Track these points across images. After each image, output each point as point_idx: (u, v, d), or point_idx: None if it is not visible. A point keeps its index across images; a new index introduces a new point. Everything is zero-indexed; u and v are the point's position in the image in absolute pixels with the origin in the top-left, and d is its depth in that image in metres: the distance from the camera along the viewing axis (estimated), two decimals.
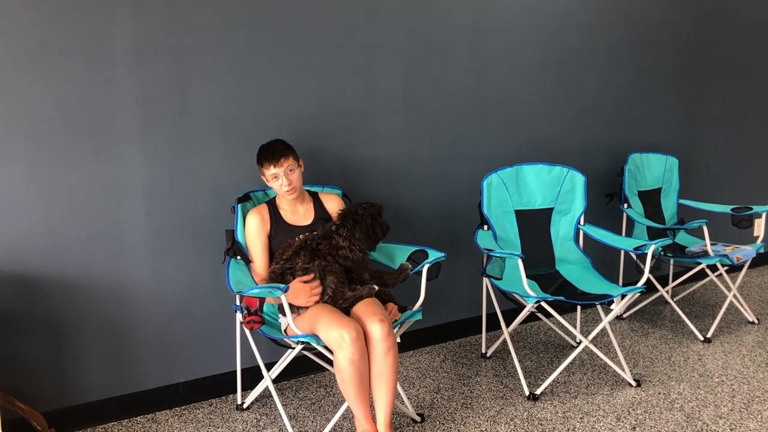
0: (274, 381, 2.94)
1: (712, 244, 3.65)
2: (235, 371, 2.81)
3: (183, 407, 2.76)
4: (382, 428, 2.30)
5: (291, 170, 2.52)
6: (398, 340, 2.39)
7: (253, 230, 2.57)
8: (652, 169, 3.86)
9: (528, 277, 3.11)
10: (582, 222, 3.26)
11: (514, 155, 3.51)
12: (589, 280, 3.07)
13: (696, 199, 4.11)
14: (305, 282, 2.38)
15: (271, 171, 2.50)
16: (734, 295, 3.87)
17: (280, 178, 2.51)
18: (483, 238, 3.06)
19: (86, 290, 2.52)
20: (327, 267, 2.45)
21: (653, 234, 3.72)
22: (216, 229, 2.73)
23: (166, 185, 2.62)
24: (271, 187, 2.57)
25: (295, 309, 2.41)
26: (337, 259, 2.49)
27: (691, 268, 3.59)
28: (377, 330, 2.28)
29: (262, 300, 2.28)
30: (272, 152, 2.50)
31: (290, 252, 2.48)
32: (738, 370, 3.06)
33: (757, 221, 4.58)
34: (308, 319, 2.36)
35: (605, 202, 3.86)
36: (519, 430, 2.54)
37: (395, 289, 2.66)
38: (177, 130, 2.61)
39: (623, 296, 2.82)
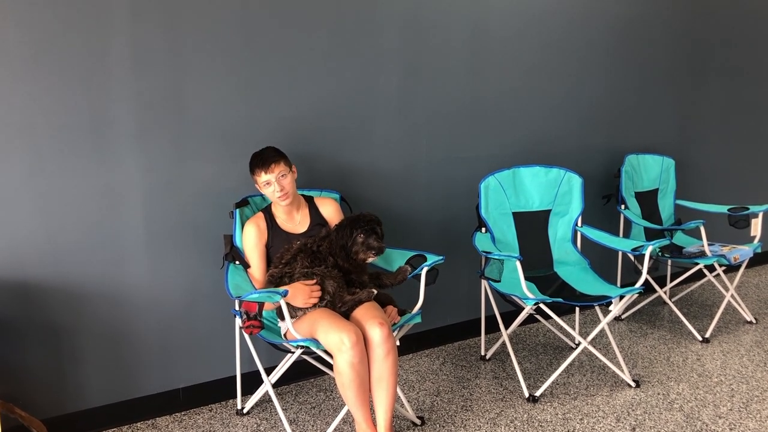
0: (274, 385, 2.94)
1: (709, 245, 3.66)
2: (235, 376, 2.81)
3: (183, 413, 2.76)
4: None
5: (283, 176, 2.52)
6: (398, 343, 2.40)
7: (251, 240, 2.58)
8: (649, 170, 3.87)
9: (526, 279, 3.12)
10: (579, 223, 3.26)
11: (511, 157, 3.52)
12: (587, 282, 3.08)
13: (693, 199, 4.12)
14: (306, 285, 2.39)
15: (263, 178, 2.51)
16: (732, 295, 3.87)
17: (273, 185, 2.51)
18: (481, 241, 3.06)
19: (85, 296, 2.53)
20: (326, 272, 2.45)
21: (651, 235, 3.73)
22: (215, 234, 2.74)
23: (164, 190, 2.62)
24: (265, 194, 2.58)
25: (294, 313, 2.41)
26: (337, 259, 2.49)
27: (689, 269, 3.59)
28: (377, 333, 2.28)
29: (261, 305, 2.28)
30: (263, 159, 2.51)
31: (289, 256, 2.49)
32: (737, 370, 3.07)
33: (753, 221, 4.59)
34: (308, 323, 2.37)
35: (602, 203, 3.87)
36: None
37: (395, 292, 2.66)
38: (175, 135, 2.61)
39: (621, 297, 2.82)
